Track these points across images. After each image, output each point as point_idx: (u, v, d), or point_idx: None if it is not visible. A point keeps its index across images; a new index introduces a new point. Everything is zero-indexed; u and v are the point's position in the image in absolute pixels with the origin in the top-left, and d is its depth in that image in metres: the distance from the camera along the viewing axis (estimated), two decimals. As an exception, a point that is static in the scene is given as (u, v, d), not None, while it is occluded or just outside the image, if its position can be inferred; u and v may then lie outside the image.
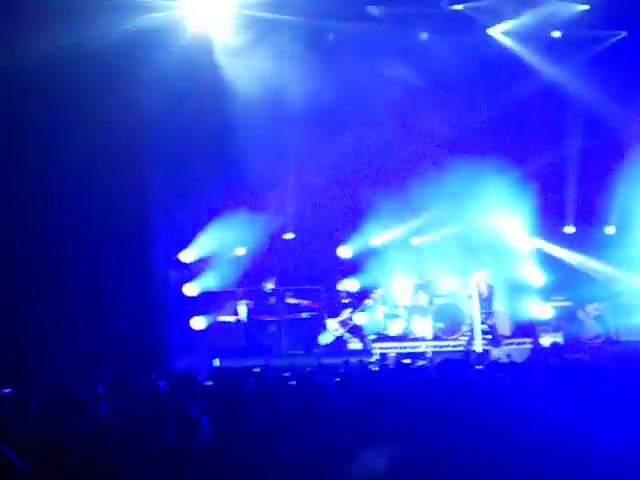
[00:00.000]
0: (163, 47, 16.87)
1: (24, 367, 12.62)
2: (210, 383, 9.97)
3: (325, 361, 15.32)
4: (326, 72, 19.06)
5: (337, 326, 18.72)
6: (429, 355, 17.35)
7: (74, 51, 14.05)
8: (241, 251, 19.89)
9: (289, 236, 20.46)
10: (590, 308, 18.66)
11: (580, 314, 18.75)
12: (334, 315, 18.87)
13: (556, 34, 19.93)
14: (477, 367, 9.94)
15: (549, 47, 20.14)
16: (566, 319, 19.00)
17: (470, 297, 18.10)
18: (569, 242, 20.31)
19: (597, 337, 18.39)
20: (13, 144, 14.16)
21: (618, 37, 20.02)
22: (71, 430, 7.05)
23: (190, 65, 17.65)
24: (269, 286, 19.10)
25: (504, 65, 19.82)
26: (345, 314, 18.77)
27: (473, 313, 17.92)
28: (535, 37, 19.93)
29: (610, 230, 19.99)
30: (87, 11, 14.45)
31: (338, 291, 19.17)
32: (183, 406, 6.66)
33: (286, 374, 11.57)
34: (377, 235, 20.33)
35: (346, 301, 18.98)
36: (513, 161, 19.38)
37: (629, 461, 5.79)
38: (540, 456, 5.88)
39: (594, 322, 18.56)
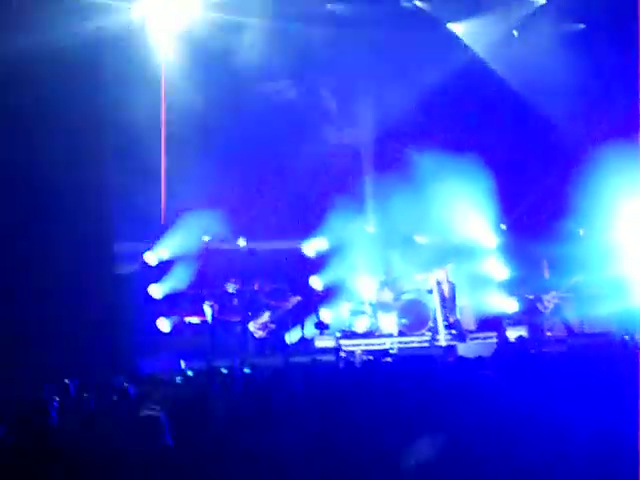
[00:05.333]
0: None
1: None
2: (178, 380, 9.96)
3: (293, 360, 15.34)
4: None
5: (258, 328, 18.64)
6: (394, 351, 17.38)
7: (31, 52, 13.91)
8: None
9: (242, 243, 20.38)
10: (548, 297, 18.81)
11: (539, 306, 18.89)
12: (255, 317, 18.72)
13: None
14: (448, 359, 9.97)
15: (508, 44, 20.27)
16: (527, 312, 19.13)
17: (430, 292, 18.20)
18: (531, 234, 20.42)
19: (560, 329, 18.56)
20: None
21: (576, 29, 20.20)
22: (33, 434, 6.99)
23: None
24: (231, 287, 19.03)
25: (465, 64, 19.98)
26: (265, 317, 18.69)
27: (435, 308, 18.01)
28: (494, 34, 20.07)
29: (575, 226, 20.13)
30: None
31: (257, 292, 18.99)
32: (143, 406, 6.64)
33: (249, 372, 11.58)
34: (340, 232, 20.39)
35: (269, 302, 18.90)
36: (475, 154, 19.50)
37: (602, 448, 5.84)
38: (515, 447, 5.92)
39: (553, 312, 18.72)
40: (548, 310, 18.76)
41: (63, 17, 14.29)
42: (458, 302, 18.56)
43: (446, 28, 20.15)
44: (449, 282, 18.41)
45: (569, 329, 18.63)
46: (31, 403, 7.50)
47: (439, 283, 18.31)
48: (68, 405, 8.22)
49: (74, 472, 6.00)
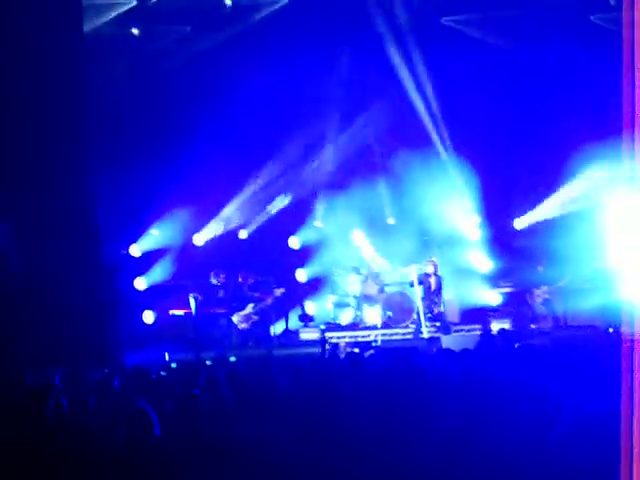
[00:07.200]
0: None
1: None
2: (164, 374, 9.95)
3: (277, 352, 15.36)
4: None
5: (241, 320, 18.65)
6: (378, 344, 17.41)
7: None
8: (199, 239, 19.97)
9: (243, 235, 20.47)
10: (538, 292, 18.87)
11: (528, 299, 18.95)
12: (240, 309, 18.72)
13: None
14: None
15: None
16: (515, 304, 19.18)
17: (412, 285, 18.27)
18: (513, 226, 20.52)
19: (545, 322, 18.62)
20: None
21: None
22: (22, 428, 6.98)
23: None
24: (216, 279, 19.03)
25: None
26: (248, 309, 18.69)
27: (418, 301, 18.06)
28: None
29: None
30: None
31: (241, 284, 19.00)
32: (131, 400, 6.63)
33: (235, 361, 11.59)
34: (326, 225, 20.42)
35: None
36: (460, 147, 19.57)
37: (585, 437, 5.88)
38: (499, 436, 5.96)
39: (542, 306, 18.80)
40: (537, 303, 18.82)
41: None
42: (443, 296, 18.62)
43: None
44: (436, 275, 18.49)
45: (555, 321, 18.71)
46: (29, 394, 7.46)
47: (427, 275, 18.39)
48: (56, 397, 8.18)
49: (64, 465, 6.00)
